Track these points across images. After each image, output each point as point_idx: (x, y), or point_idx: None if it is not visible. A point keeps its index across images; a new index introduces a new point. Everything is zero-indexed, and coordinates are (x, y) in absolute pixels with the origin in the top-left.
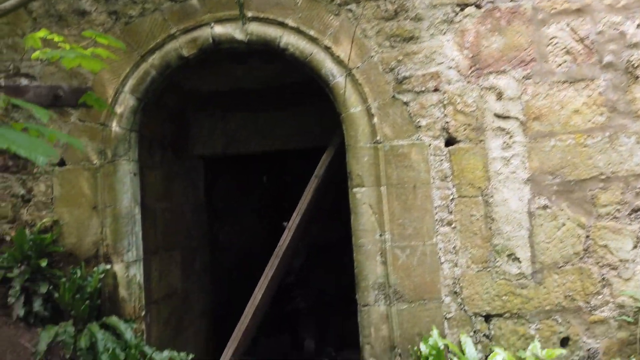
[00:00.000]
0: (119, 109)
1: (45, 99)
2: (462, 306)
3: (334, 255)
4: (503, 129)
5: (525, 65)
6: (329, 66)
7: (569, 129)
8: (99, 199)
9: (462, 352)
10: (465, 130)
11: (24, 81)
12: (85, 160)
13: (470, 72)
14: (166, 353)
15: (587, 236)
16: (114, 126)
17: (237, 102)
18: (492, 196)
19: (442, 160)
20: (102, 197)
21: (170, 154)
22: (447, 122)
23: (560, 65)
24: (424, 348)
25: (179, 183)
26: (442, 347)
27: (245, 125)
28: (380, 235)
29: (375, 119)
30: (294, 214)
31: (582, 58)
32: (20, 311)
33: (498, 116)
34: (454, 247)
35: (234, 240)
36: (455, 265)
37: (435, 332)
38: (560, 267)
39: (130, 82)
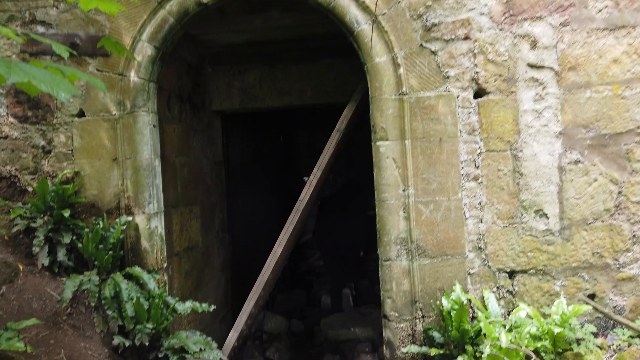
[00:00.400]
0: (137, 58)
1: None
2: (485, 262)
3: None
4: (536, 80)
5: (563, 10)
6: (353, 12)
7: (606, 80)
8: (119, 150)
9: (485, 307)
10: (495, 81)
11: (40, 29)
12: (105, 111)
13: (503, 18)
14: (188, 304)
15: (620, 192)
16: (133, 76)
17: (254, 57)
18: (521, 150)
19: (470, 112)
20: (122, 148)
21: (189, 109)
22: (476, 73)
23: (600, 10)
24: (445, 303)
25: (197, 139)
26: (464, 302)
27: (262, 80)
28: (404, 190)
29: (401, 70)
30: (315, 169)
31: (625, 3)
32: (44, 260)
33: (531, 66)
34: (480, 203)
35: (251, 197)
36: (480, 221)
37: (458, 287)
38: (590, 223)
39: (148, 30)
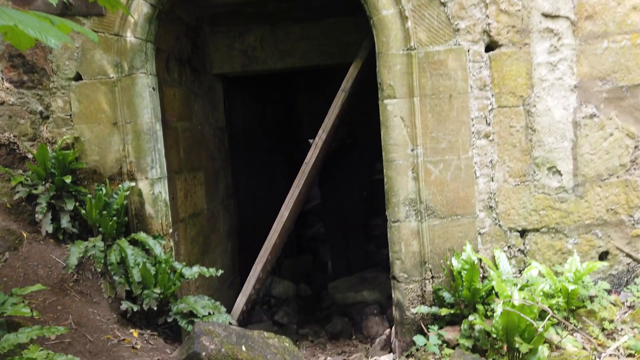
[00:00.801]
0: (133, 17)
1: (54, 7)
2: (496, 221)
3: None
4: (551, 30)
5: None
6: None
7: (624, 29)
8: (119, 114)
9: (496, 266)
10: (508, 32)
11: None
12: (102, 74)
13: None
14: (195, 268)
15: (636, 147)
16: (129, 36)
17: (255, 17)
18: (534, 105)
19: (481, 67)
20: (122, 112)
21: (189, 72)
22: (488, 24)
23: None
24: (456, 263)
25: (199, 103)
26: (475, 262)
27: (263, 41)
28: (412, 150)
29: (409, 23)
30: (320, 131)
31: None
32: (48, 227)
33: (546, 16)
34: (491, 161)
35: (255, 163)
36: (492, 179)
37: (468, 247)
38: (604, 179)
39: None
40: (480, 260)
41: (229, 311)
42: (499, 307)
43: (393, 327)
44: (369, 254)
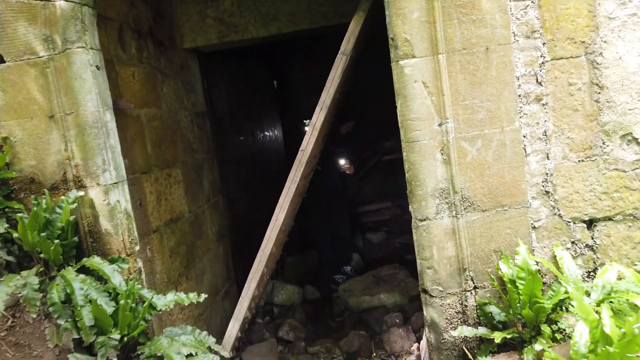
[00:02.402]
0: None
1: None
2: (555, 210)
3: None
4: None
5: None
6: None
7: None
8: (55, 104)
9: (560, 270)
10: None
11: None
12: (30, 53)
13: None
14: (170, 296)
15: None
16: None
17: None
18: (600, 54)
19: (527, 6)
20: (59, 101)
21: (152, 47)
22: None
23: None
24: (505, 268)
25: (169, 85)
26: (534, 268)
27: (240, 4)
28: (440, 125)
29: None
30: (317, 108)
31: None
32: None
33: None
34: (545, 132)
35: (246, 151)
36: (547, 156)
37: (523, 249)
38: None
39: None
40: (537, 263)
41: (221, 334)
42: (582, 335)
43: (424, 348)
44: (378, 243)
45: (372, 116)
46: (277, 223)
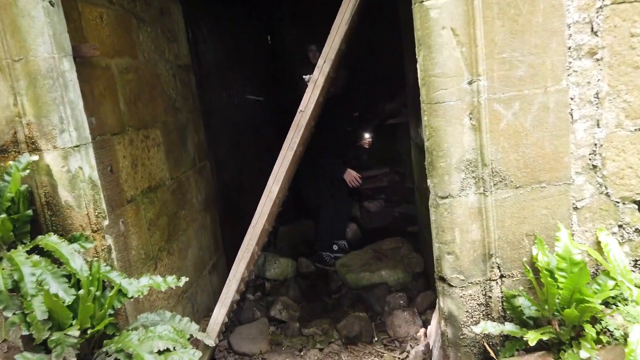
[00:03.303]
0: None
1: None
2: (602, 188)
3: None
4: None
5: None
6: None
7: None
8: (0, 48)
9: (605, 258)
10: None
11: None
12: None
13: None
14: (145, 281)
15: None
16: None
17: None
18: None
19: None
20: (5, 45)
21: None
22: None
23: None
24: (540, 256)
25: (146, 32)
26: (579, 258)
27: None
28: (471, 83)
29: None
30: (320, 60)
31: None
32: None
33: None
34: (597, 94)
35: (236, 109)
36: (597, 124)
37: (564, 233)
38: None
39: None
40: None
41: (208, 311)
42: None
43: (434, 337)
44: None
45: (372, 75)
46: (270, 196)
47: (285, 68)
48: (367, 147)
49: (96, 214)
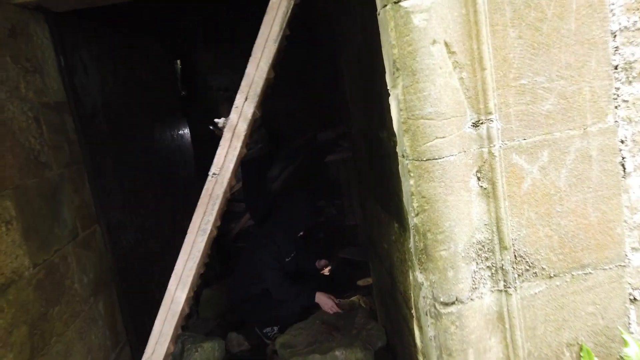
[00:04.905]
0: None
1: None
2: None
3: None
4: None
5: None
6: None
7: None
8: None
9: None
10: None
11: None
12: None
13: None
14: None
15: None
16: None
17: None
18: None
19: None
20: None
21: None
22: None
23: None
24: None
25: None
26: None
27: None
28: (477, 125)
29: None
30: (239, 98)
31: None
32: None
33: None
34: None
35: (134, 156)
36: None
37: (633, 344)
38: None
39: None
40: None
41: None
42: None
43: None
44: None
45: (299, 99)
46: (174, 308)
47: (201, 96)
48: (327, 274)
49: None
